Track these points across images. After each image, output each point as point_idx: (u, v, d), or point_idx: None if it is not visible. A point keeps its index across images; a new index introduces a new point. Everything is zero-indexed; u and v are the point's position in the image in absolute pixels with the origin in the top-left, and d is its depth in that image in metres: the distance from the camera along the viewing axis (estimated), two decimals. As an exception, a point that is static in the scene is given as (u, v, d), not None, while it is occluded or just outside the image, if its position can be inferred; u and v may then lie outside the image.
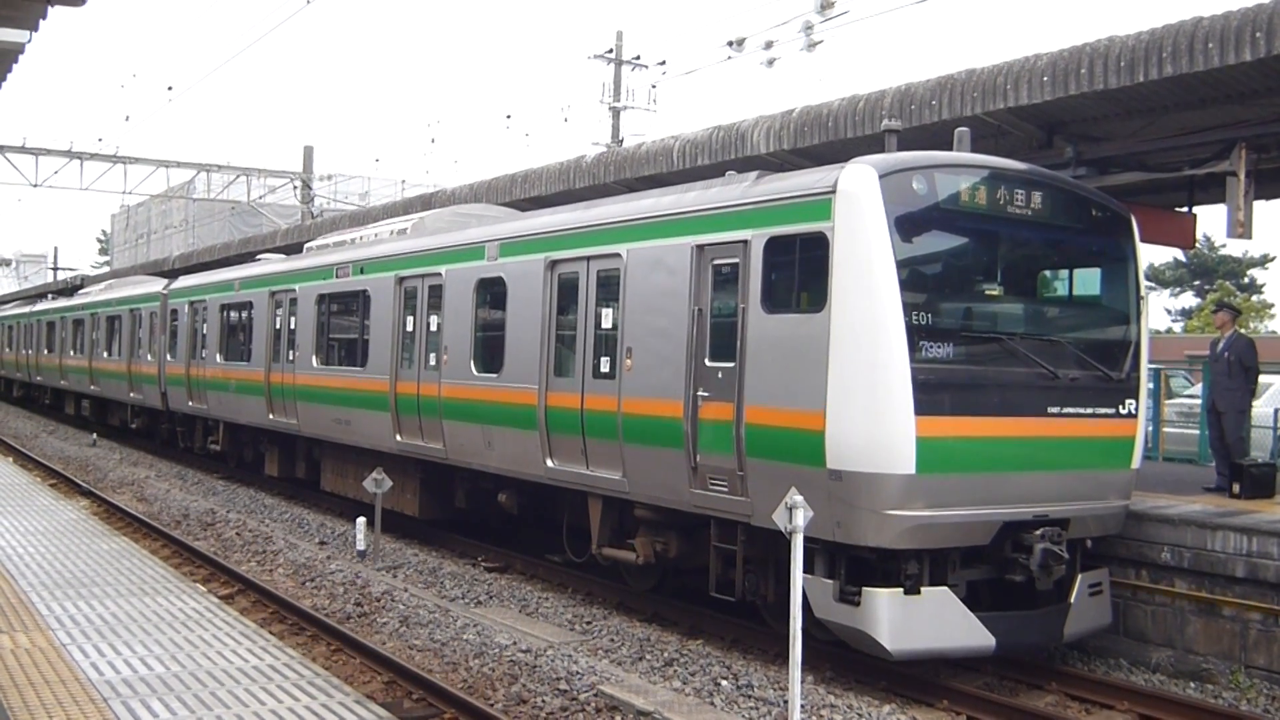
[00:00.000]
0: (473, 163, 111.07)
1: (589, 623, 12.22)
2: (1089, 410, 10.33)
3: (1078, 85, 11.31)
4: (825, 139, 13.65)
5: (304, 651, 10.53)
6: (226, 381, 22.45)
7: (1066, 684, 10.32)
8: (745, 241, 10.36)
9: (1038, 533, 9.83)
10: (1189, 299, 65.18)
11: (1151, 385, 15.90)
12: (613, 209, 12.65)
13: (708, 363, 10.67)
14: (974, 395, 9.69)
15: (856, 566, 9.72)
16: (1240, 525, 10.44)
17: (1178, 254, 57.53)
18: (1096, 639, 11.06)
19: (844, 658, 10.45)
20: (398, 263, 16.38)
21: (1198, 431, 17.11)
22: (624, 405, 11.58)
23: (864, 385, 9.25)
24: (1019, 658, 10.67)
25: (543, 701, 9.31)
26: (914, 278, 9.60)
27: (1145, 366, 10.96)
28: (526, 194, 19.41)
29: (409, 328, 15.98)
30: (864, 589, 9.45)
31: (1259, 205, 12.93)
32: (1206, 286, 62.57)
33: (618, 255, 11.92)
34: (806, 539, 8.62)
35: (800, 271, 10.01)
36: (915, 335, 9.26)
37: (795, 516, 8.39)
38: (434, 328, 15.33)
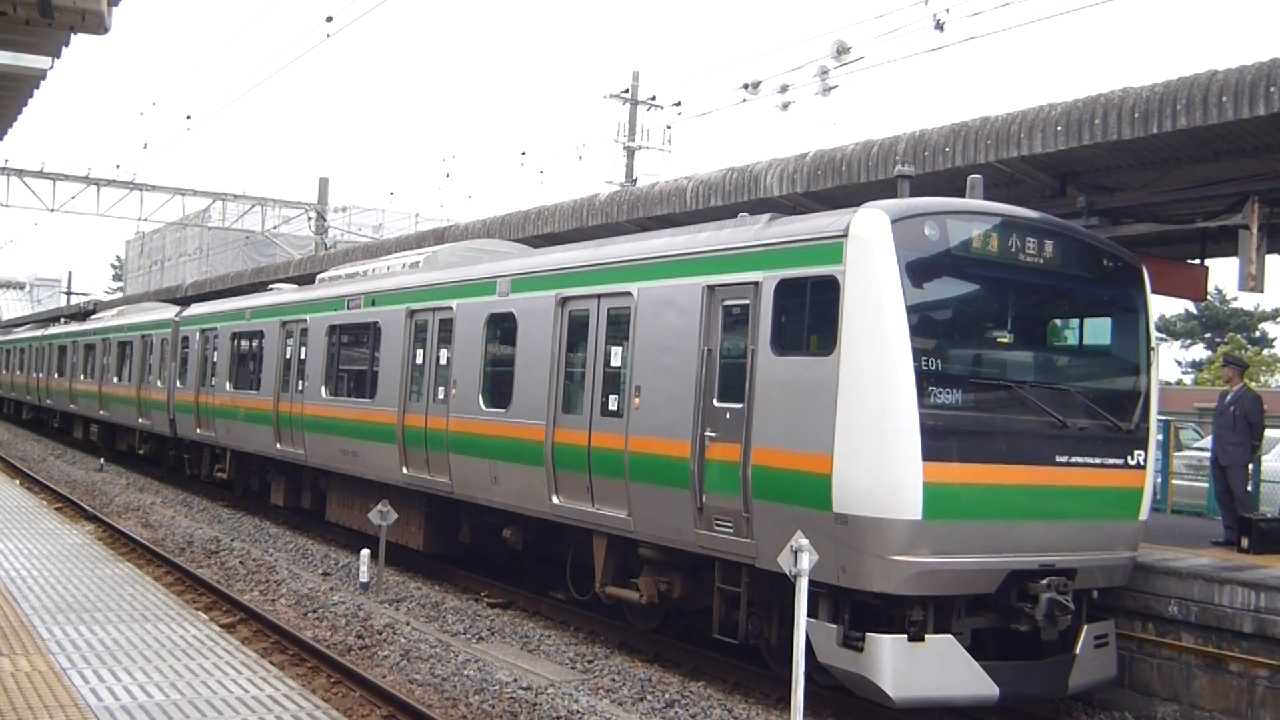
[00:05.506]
0: (487, 198, 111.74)
1: (591, 661, 12.16)
2: (1097, 460, 10.29)
3: (1091, 135, 11.35)
4: (838, 183, 13.70)
5: (304, 683, 10.48)
6: (235, 410, 22.49)
7: (1071, 736, 10.24)
8: (756, 283, 10.38)
9: (1044, 582, 9.76)
10: (1200, 351, 65.10)
11: (1161, 437, 15.85)
12: (625, 248, 12.70)
13: (716, 403, 10.67)
14: (982, 442, 9.65)
15: (861, 612, 9.65)
16: (1248, 580, 10.36)
17: (1189, 306, 57.58)
18: (1101, 691, 10.96)
19: (846, 703, 10.37)
20: (409, 296, 16.44)
21: (1206, 484, 17.03)
22: (631, 444, 11.57)
23: (872, 429, 9.23)
24: (1022, 708, 10.57)
25: (542, 740, 9.25)
26: (924, 323, 9.60)
27: (1155, 417, 10.92)
28: (539, 231, 19.49)
29: (418, 361, 16.01)
30: (868, 634, 9.38)
31: (1271, 259, 12.97)
32: (1217, 339, 62.50)
33: (629, 294, 11.96)
34: (811, 583, 8.59)
35: (811, 314, 10.02)
36: (924, 381, 9.25)
37: (800, 560, 8.38)
38: (443, 361, 15.37)
